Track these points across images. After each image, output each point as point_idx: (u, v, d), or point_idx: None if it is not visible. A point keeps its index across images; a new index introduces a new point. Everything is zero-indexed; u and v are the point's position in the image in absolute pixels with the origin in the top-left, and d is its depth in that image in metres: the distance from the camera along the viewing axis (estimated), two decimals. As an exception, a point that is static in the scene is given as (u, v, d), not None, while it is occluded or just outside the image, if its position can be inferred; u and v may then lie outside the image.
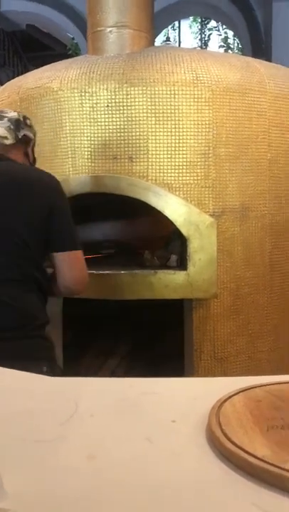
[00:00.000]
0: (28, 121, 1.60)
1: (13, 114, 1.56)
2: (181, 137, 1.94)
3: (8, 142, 1.51)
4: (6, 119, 1.53)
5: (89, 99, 1.96)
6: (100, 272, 1.94)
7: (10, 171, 1.46)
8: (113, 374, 2.27)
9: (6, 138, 1.51)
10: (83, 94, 1.96)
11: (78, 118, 1.98)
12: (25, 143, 1.58)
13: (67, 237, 1.45)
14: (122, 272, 1.95)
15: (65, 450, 0.62)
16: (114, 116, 1.94)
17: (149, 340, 2.57)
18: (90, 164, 1.98)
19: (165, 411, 0.72)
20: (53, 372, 1.35)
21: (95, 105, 1.95)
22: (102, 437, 0.65)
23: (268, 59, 5.02)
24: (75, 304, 2.07)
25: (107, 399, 0.77)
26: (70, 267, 1.45)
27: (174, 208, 1.92)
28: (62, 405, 0.75)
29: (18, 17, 6.90)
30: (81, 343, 2.48)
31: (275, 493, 0.52)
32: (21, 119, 1.57)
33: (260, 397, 0.73)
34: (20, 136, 1.54)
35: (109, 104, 1.94)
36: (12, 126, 1.53)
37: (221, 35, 7.12)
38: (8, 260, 1.37)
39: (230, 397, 0.72)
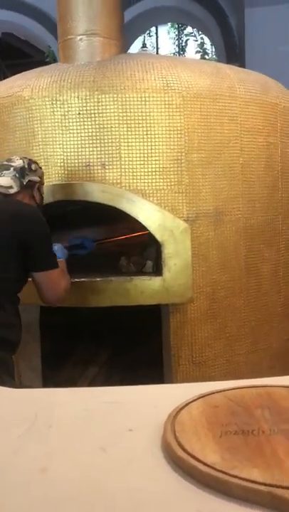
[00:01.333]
0: (33, 166, 1.73)
1: (18, 163, 1.69)
2: (153, 143, 1.94)
3: (12, 191, 1.66)
4: (12, 168, 1.68)
5: (60, 107, 1.96)
6: (76, 280, 1.93)
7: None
8: (92, 383, 2.26)
9: (10, 187, 1.66)
10: (54, 102, 1.96)
11: (50, 126, 1.98)
12: (30, 187, 1.71)
13: (43, 259, 1.60)
14: (98, 279, 1.95)
15: (18, 463, 0.62)
16: (86, 123, 1.94)
17: (129, 346, 2.56)
18: (62, 172, 1.98)
19: (123, 420, 0.72)
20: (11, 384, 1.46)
21: (66, 113, 1.95)
22: (57, 449, 0.65)
23: (242, 64, 5.07)
24: (53, 313, 2.06)
25: (67, 409, 0.77)
26: (46, 284, 1.61)
27: (148, 214, 1.92)
28: (22, 417, 0.75)
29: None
30: (60, 351, 2.47)
31: (223, 499, 0.52)
32: (26, 165, 1.70)
33: (219, 402, 0.73)
34: (25, 183, 1.69)
35: (81, 112, 1.94)
36: (17, 175, 1.67)
37: (197, 40, 7.18)
38: None
39: (188, 403, 0.73)
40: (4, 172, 1.67)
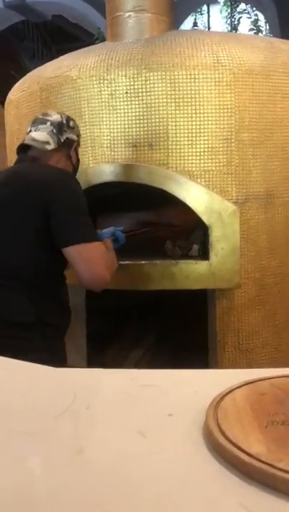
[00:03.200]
0: (71, 123, 1.58)
1: (56, 117, 1.54)
2: (202, 123, 1.88)
3: (50, 147, 1.50)
4: (48, 123, 1.52)
5: (107, 87, 1.93)
6: (121, 263, 1.91)
7: (21, 172, 1.49)
8: (136, 366, 2.26)
9: (47, 143, 1.50)
10: (102, 81, 1.93)
11: (97, 106, 1.95)
12: (67, 146, 1.56)
13: (74, 230, 1.39)
14: (143, 262, 1.92)
15: (54, 443, 0.60)
16: (133, 103, 1.90)
17: (175, 330, 2.54)
18: (109, 153, 1.95)
19: (163, 404, 0.69)
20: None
21: (113, 92, 1.92)
22: (95, 430, 0.63)
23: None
24: (99, 295, 2.06)
25: (105, 391, 0.75)
26: (78, 262, 1.37)
27: (195, 196, 1.87)
28: (60, 396, 0.73)
29: (44, 8, 6.90)
30: (106, 334, 2.48)
31: (266, 493, 0.48)
32: (64, 121, 1.56)
33: (265, 390, 0.69)
34: (62, 140, 1.53)
35: (128, 91, 1.90)
36: (55, 130, 1.51)
37: (250, 17, 6.92)
38: (18, 261, 1.38)
39: (232, 390, 0.69)
40: (40, 126, 1.51)
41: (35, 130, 1.52)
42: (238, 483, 0.50)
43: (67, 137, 1.55)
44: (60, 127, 1.53)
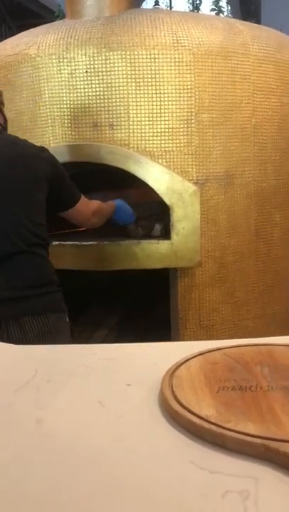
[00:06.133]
0: None
1: None
2: (162, 103, 1.89)
3: None
4: None
5: (67, 66, 1.90)
6: (84, 243, 1.93)
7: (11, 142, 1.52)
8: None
9: None
10: (61, 60, 1.91)
11: (57, 85, 1.93)
12: None
13: (68, 195, 1.60)
14: (106, 242, 1.94)
15: (14, 414, 0.62)
16: (93, 82, 1.89)
17: (138, 310, 2.58)
18: (70, 133, 1.94)
19: (122, 375, 0.72)
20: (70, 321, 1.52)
21: (73, 71, 1.90)
22: (55, 402, 0.65)
23: (257, 21, 4.86)
24: (62, 276, 2.06)
25: (66, 365, 0.77)
26: (80, 216, 1.66)
27: (156, 177, 1.89)
28: (21, 372, 0.75)
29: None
30: (70, 314, 2.49)
31: (215, 451, 0.52)
32: None
33: (218, 359, 0.73)
34: None
35: (88, 70, 1.89)
36: None
37: (211, -3, 6.91)
38: (30, 226, 1.43)
39: (187, 360, 0.72)
40: None
41: None
42: (190, 444, 0.54)
43: None
44: None
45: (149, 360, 0.78)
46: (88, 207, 1.67)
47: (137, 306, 2.64)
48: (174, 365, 0.70)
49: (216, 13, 6.38)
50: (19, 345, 0.90)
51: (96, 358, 0.79)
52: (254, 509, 0.43)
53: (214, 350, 0.76)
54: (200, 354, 0.74)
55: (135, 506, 0.45)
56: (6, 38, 2.35)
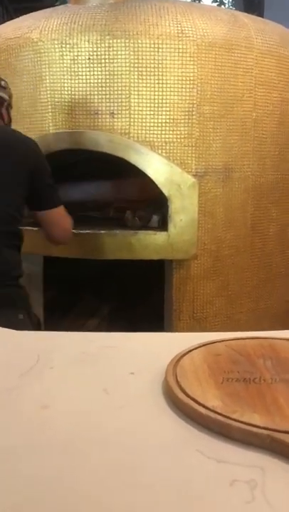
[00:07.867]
0: (2, 83, 1.60)
1: None
2: (164, 93, 1.88)
3: None
4: None
5: (70, 51, 1.89)
6: (80, 232, 1.92)
7: None
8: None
9: None
10: (64, 45, 1.88)
11: (59, 71, 1.91)
12: None
13: (48, 196, 1.54)
14: (102, 231, 1.93)
15: (20, 399, 0.62)
16: (95, 69, 1.88)
17: (131, 300, 2.58)
18: (70, 119, 1.92)
19: (125, 364, 0.72)
20: (30, 319, 1.43)
21: (76, 58, 1.88)
22: (59, 388, 0.66)
23: (260, 14, 4.85)
24: (56, 264, 2.06)
25: (67, 352, 0.77)
26: (53, 223, 1.57)
27: (156, 167, 1.88)
28: (24, 358, 0.75)
29: None
30: (63, 303, 2.49)
31: (221, 441, 0.52)
32: None
33: (221, 351, 0.73)
34: None
35: (91, 57, 1.87)
36: None
37: (215, -12, 6.85)
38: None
39: (190, 351, 0.72)
40: None
41: None
42: (196, 434, 0.54)
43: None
44: None
45: (151, 349, 0.78)
46: (65, 221, 1.60)
47: (129, 297, 2.65)
48: (177, 355, 0.70)
49: (217, 5, 6.34)
50: (19, 331, 0.90)
51: (96, 346, 0.79)
52: (262, 498, 0.43)
53: (216, 342, 0.76)
54: (202, 345, 0.74)
55: (141, 494, 0.45)
56: (2, 21, 2.32)
